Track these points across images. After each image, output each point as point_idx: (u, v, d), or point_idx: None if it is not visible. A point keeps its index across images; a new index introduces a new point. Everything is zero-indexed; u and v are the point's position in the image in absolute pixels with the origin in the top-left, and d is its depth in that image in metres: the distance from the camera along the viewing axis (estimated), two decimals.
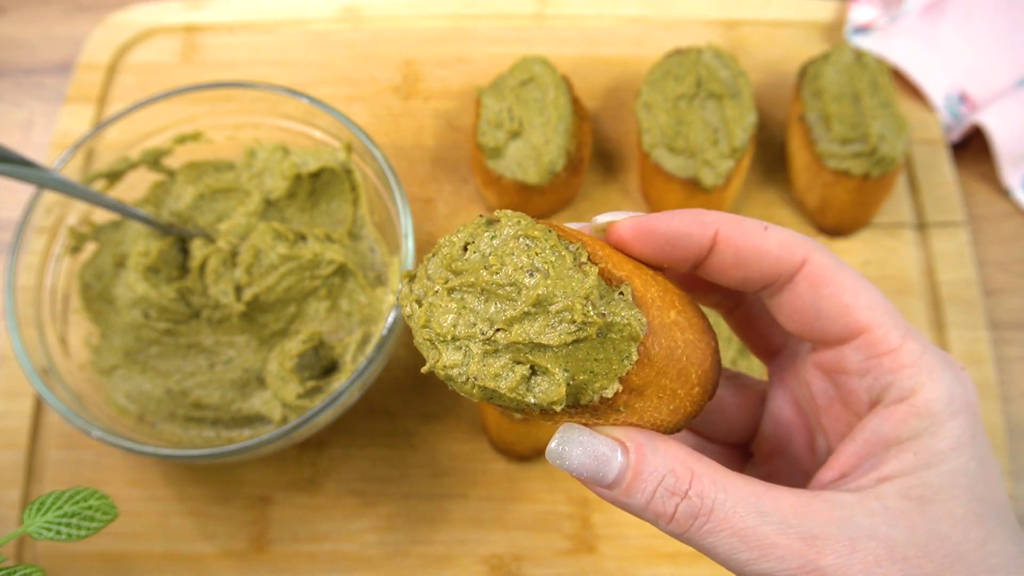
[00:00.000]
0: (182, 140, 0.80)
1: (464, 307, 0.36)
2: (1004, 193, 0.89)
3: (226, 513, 0.76)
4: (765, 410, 0.48)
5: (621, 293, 0.35)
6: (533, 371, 0.35)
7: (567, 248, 0.36)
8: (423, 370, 0.36)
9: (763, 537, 0.35)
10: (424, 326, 0.36)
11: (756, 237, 0.39)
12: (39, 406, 0.80)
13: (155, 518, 0.76)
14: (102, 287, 0.78)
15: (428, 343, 0.36)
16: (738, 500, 0.35)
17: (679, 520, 0.36)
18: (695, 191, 0.80)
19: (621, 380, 0.35)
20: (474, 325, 0.35)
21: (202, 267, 0.76)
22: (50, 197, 0.75)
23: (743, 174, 0.82)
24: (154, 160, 0.80)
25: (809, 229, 0.86)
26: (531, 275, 0.35)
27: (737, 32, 0.96)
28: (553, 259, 0.35)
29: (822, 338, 0.40)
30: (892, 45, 0.91)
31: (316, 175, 0.80)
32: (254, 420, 0.75)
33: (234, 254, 0.77)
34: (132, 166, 0.79)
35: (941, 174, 0.87)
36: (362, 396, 0.72)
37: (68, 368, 0.73)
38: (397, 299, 0.38)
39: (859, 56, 0.83)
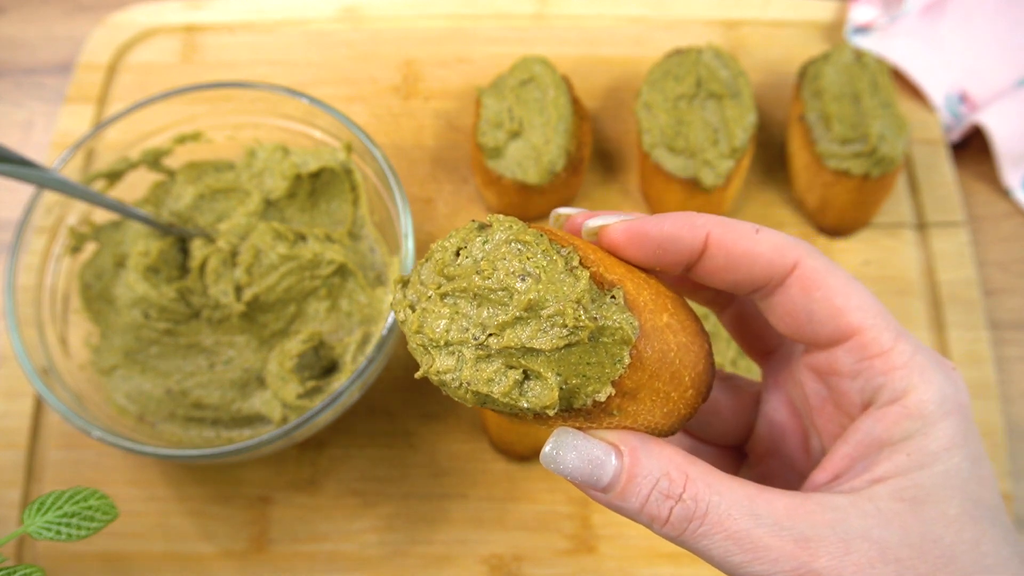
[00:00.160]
0: (182, 140, 0.80)
1: (457, 312, 0.36)
2: (1004, 193, 0.89)
3: (226, 513, 0.76)
4: (759, 411, 0.48)
5: (613, 297, 0.36)
6: (526, 375, 0.35)
7: (558, 252, 0.36)
8: (417, 375, 0.36)
9: (757, 540, 0.35)
10: (417, 331, 0.36)
11: (747, 240, 0.39)
12: (39, 406, 0.80)
13: (155, 518, 0.76)
14: (102, 287, 0.78)
15: (421, 348, 0.36)
16: (732, 503, 0.35)
17: (673, 523, 0.36)
18: (695, 191, 0.80)
19: (614, 384, 0.35)
20: (467, 330, 0.35)
21: (202, 267, 0.76)
22: (50, 197, 0.75)
23: (743, 174, 0.82)
24: (154, 160, 0.80)
25: (809, 229, 0.86)
26: (523, 280, 0.35)
27: (737, 32, 0.96)
28: (545, 264, 0.35)
29: (814, 340, 0.41)
30: (892, 45, 0.91)
31: (316, 175, 0.80)
32: (254, 420, 0.75)
33: (234, 254, 0.77)
34: (132, 166, 0.79)
35: (941, 174, 0.87)
36: (362, 396, 0.72)
37: (68, 368, 0.73)
38: (391, 305, 0.38)
39: (859, 56, 0.83)
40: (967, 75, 0.90)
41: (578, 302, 0.34)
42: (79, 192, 0.69)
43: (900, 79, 0.91)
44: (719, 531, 0.35)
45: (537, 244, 0.36)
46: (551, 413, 0.34)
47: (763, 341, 0.47)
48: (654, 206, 0.86)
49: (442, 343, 0.35)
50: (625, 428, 0.37)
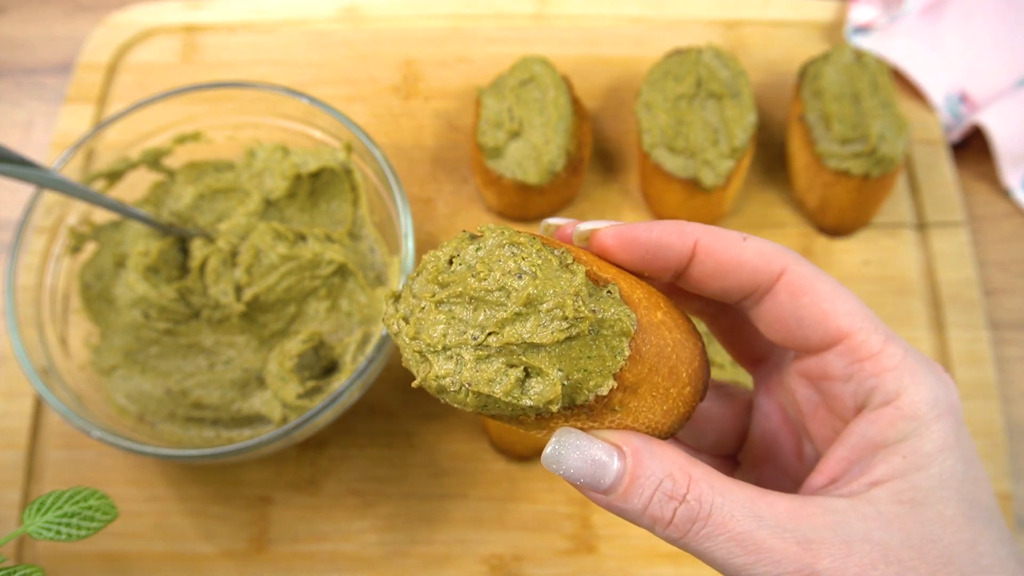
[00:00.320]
0: (182, 140, 0.80)
1: (453, 318, 0.36)
2: (1004, 193, 0.89)
3: (226, 513, 0.76)
4: (752, 418, 0.48)
5: (609, 292, 0.36)
6: (527, 374, 0.35)
7: (552, 253, 0.36)
8: (414, 384, 0.36)
9: (760, 541, 0.35)
10: (414, 338, 0.36)
11: (735, 248, 0.40)
12: (39, 406, 0.80)
13: (155, 518, 0.76)
14: (102, 287, 0.78)
15: (418, 355, 0.36)
16: (735, 504, 0.35)
17: (677, 525, 0.36)
18: (695, 191, 0.80)
19: (615, 377, 0.35)
20: (464, 332, 0.35)
21: (202, 267, 0.76)
22: (50, 197, 0.75)
23: (743, 174, 0.82)
24: (154, 160, 0.80)
25: (809, 229, 0.86)
26: (519, 277, 0.35)
27: (737, 32, 0.96)
28: (540, 262, 0.35)
29: (804, 346, 0.41)
30: (892, 45, 0.91)
31: (316, 175, 0.80)
32: (254, 420, 0.75)
33: (234, 254, 0.77)
34: (132, 166, 0.79)
35: (941, 174, 0.87)
36: (362, 396, 0.72)
37: (68, 368, 0.73)
38: (383, 320, 0.38)
39: (859, 56, 0.83)
40: (967, 75, 0.90)
41: (576, 294, 0.34)
42: (79, 192, 0.69)
43: (900, 79, 0.91)
44: (722, 532, 0.35)
45: (531, 245, 0.36)
46: (554, 409, 0.34)
47: (753, 349, 0.48)
48: (654, 206, 0.86)
49: (440, 347, 0.35)
50: (627, 428, 0.37)
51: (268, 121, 0.80)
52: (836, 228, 0.85)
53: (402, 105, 0.93)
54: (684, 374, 0.39)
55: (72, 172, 0.76)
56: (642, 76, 0.88)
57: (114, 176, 0.78)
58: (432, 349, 0.35)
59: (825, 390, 0.41)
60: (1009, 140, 0.86)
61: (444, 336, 0.35)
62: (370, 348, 0.70)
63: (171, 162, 0.81)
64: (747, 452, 0.48)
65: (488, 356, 0.35)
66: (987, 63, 0.90)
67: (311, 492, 0.77)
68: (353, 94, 0.94)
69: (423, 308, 0.36)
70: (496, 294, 0.35)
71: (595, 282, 0.36)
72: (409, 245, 0.71)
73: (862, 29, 0.94)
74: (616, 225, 0.41)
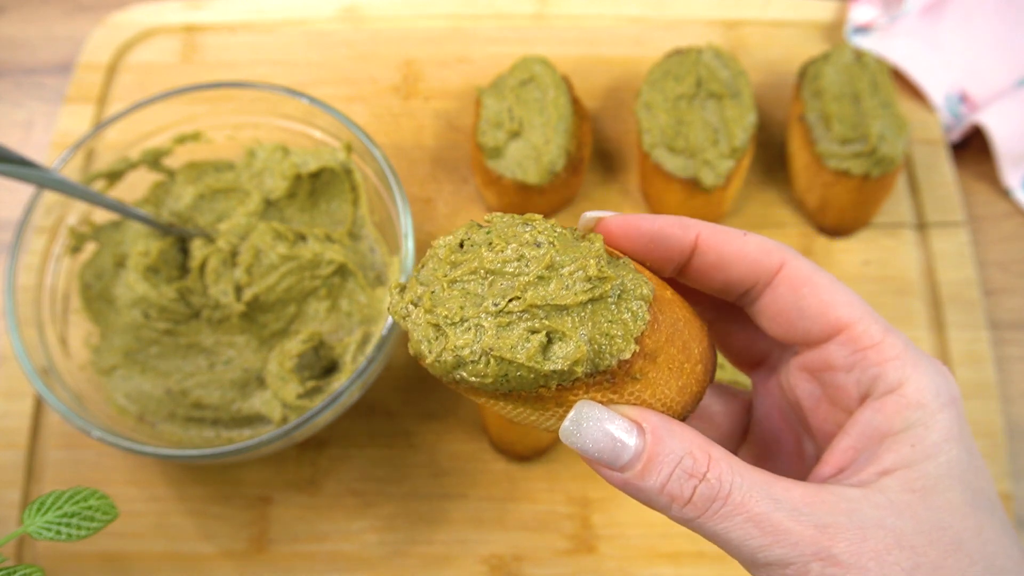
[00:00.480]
0: (182, 140, 0.80)
1: (468, 293, 0.35)
2: (1004, 193, 0.89)
3: (226, 513, 0.76)
4: (751, 420, 0.49)
5: (623, 262, 0.37)
6: (549, 340, 0.34)
7: (565, 229, 0.37)
8: (427, 362, 0.35)
9: (777, 523, 0.35)
10: (429, 311, 0.35)
11: (736, 240, 0.41)
12: (39, 406, 0.80)
13: (155, 518, 0.76)
14: (102, 287, 0.78)
15: (433, 330, 0.35)
16: (752, 485, 0.36)
17: (696, 503, 0.36)
18: (695, 191, 0.80)
19: (637, 341, 0.35)
20: (482, 303, 0.35)
21: (202, 267, 0.76)
22: (50, 197, 0.75)
23: (743, 174, 0.82)
24: (154, 160, 0.80)
25: (809, 229, 0.86)
26: (538, 246, 0.35)
27: (737, 32, 0.96)
28: (555, 234, 0.36)
29: (805, 338, 0.42)
30: (892, 45, 0.91)
31: (316, 175, 0.80)
32: (254, 420, 0.75)
33: (234, 254, 0.77)
34: (132, 166, 0.79)
35: (941, 174, 0.87)
36: (362, 396, 0.72)
37: (68, 368, 0.73)
38: (388, 308, 0.38)
39: (859, 56, 0.83)
40: (967, 75, 0.90)
41: (598, 256, 0.35)
42: (79, 192, 0.69)
43: (900, 79, 0.91)
44: (741, 513, 0.35)
45: (544, 221, 0.37)
46: (579, 371, 0.34)
47: (751, 352, 0.48)
48: (654, 206, 0.86)
49: (458, 319, 0.35)
50: (645, 403, 0.37)
51: (268, 121, 0.80)
52: (836, 228, 0.85)
53: (402, 105, 0.93)
54: (696, 350, 0.39)
55: (72, 172, 0.76)
56: (642, 76, 0.88)
57: (114, 176, 0.78)
58: (450, 321, 0.35)
59: (828, 381, 0.42)
60: (1009, 140, 0.86)
61: (462, 308, 0.35)
62: (370, 348, 0.70)
63: (171, 162, 0.81)
64: (747, 453, 0.48)
65: (510, 323, 0.34)
66: (987, 63, 0.90)
67: (311, 492, 0.77)
68: (353, 94, 0.94)
69: (432, 293, 0.36)
70: (514, 264, 0.35)
71: (609, 254, 0.37)
72: (409, 245, 0.71)
73: (862, 29, 0.94)
74: (620, 215, 0.42)
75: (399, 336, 0.70)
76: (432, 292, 0.36)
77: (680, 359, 0.38)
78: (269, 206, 0.80)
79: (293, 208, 0.81)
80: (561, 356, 0.34)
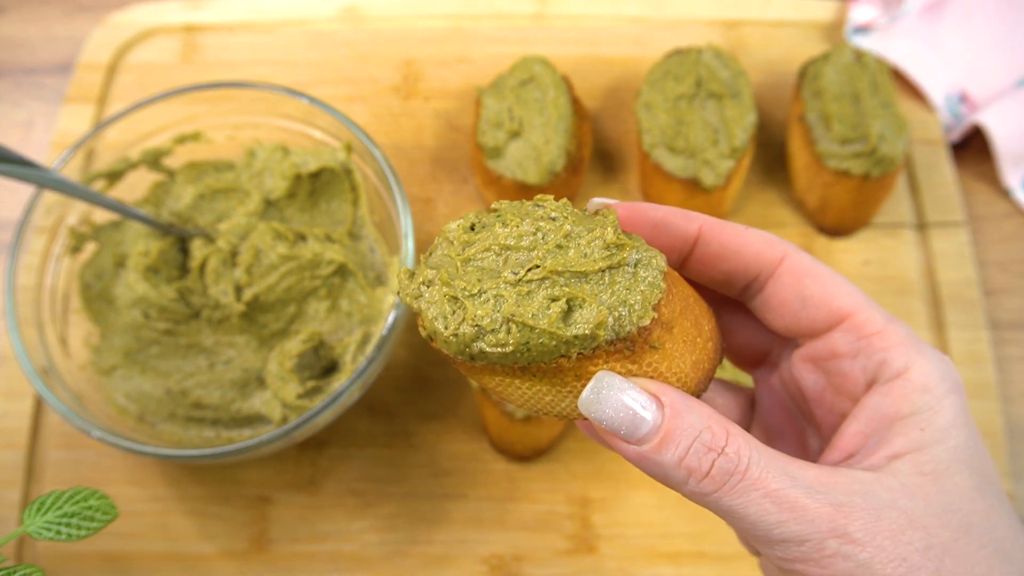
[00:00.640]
0: (182, 140, 0.80)
1: (484, 269, 0.36)
2: (1004, 193, 0.89)
3: (226, 513, 0.76)
4: (754, 416, 0.49)
5: (635, 237, 0.38)
6: (569, 307, 0.35)
7: (577, 209, 0.38)
8: (446, 334, 0.35)
9: (794, 500, 0.35)
10: (447, 283, 0.35)
11: (738, 232, 0.42)
12: (39, 406, 0.80)
13: (155, 518, 0.76)
14: (102, 287, 0.78)
15: (451, 302, 0.35)
16: (770, 462, 0.36)
17: (714, 477, 0.36)
18: (695, 191, 0.80)
19: (655, 308, 0.35)
20: (500, 275, 0.35)
21: (202, 267, 0.76)
22: (50, 197, 0.75)
23: (743, 174, 0.82)
24: (154, 160, 0.80)
25: (809, 229, 0.86)
26: (553, 219, 0.36)
27: (737, 32, 0.96)
28: (568, 210, 0.37)
29: (809, 327, 0.42)
30: (892, 45, 0.91)
31: (316, 175, 0.80)
32: (254, 420, 0.75)
33: (234, 254, 0.77)
34: (132, 166, 0.79)
35: (941, 174, 0.87)
36: (362, 396, 0.72)
37: (68, 368, 0.73)
38: (398, 293, 0.38)
39: (859, 56, 0.83)
40: (967, 75, 0.90)
41: (615, 226, 0.36)
42: (79, 192, 0.69)
43: (900, 79, 0.91)
44: (758, 488, 0.35)
45: (555, 200, 0.37)
46: (601, 335, 0.34)
47: (752, 350, 0.49)
48: None
49: (476, 291, 0.35)
50: (661, 377, 0.37)
51: (268, 121, 0.80)
52: (836, 228, 0.85)
53: (402, 105, 0.93)
54: (707, 327, 0.40)
55: (72, 172, 0.76)
56: (642, 76, 0.88)
57: (114, 176, 0.78)
58: (468, 293, 0.35)
59: (833, 370, 0.42)
60: (1009, 140, 0.86)
61: (480, 280, 0.35)
62: (370, 348, 0.70)
63: (171, 162, 0.81)
64: None
65: (529, 291, 0.35)
66: (987, 63, 0.90)
67: (311, 492, 0.77)
68: (353, 94, 0.94)
69: (448, 272, 0.36)
70: (530, 238, 0.36)
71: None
72: (409, 245, 0.71)
73: (862, 29, 0.94)
74: (627, 203, 0.43)
75: (399, 336, 0.70)
76: (447, 271, 0.36)
77: (693, 333, 0.39)
78: (269, 206, 0.80)
79: (293, 208, 0.81)
80: (583, 321, 0.34)
